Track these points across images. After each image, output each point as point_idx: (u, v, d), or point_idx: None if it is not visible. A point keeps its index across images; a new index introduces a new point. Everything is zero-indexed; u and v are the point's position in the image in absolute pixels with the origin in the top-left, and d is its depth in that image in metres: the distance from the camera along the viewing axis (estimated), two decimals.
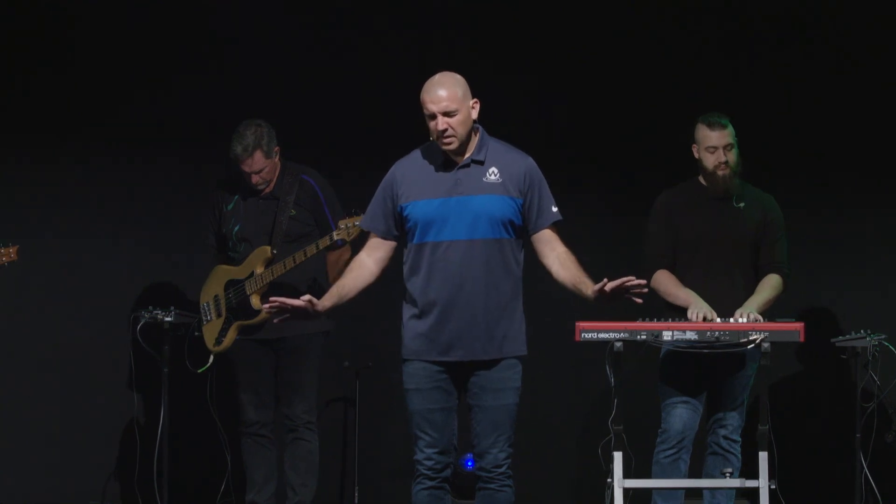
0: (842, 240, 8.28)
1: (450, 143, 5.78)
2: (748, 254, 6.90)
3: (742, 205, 6.94)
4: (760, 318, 6.54)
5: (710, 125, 6.88)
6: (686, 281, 6.86)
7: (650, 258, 6.96)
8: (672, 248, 6.94)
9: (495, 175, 5.83)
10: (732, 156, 6.89)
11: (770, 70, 8.30)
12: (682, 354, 6.61)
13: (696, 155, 6.93)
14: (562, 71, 8.35)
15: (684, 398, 6.81)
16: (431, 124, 5.79)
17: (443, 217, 5.77)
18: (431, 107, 5.76)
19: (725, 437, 6.83)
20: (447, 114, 5.74)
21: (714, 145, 6.87)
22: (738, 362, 6.75)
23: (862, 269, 8.25)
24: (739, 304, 6.73)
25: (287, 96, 8.29)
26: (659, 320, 6.50)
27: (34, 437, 8.24)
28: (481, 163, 5.83)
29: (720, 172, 6.87)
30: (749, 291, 6.83)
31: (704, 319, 6.57)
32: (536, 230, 5.86)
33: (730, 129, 6.90)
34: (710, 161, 6.88)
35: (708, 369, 6.76)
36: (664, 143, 7.91)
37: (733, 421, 6.83)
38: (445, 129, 5.75)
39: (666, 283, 6.89)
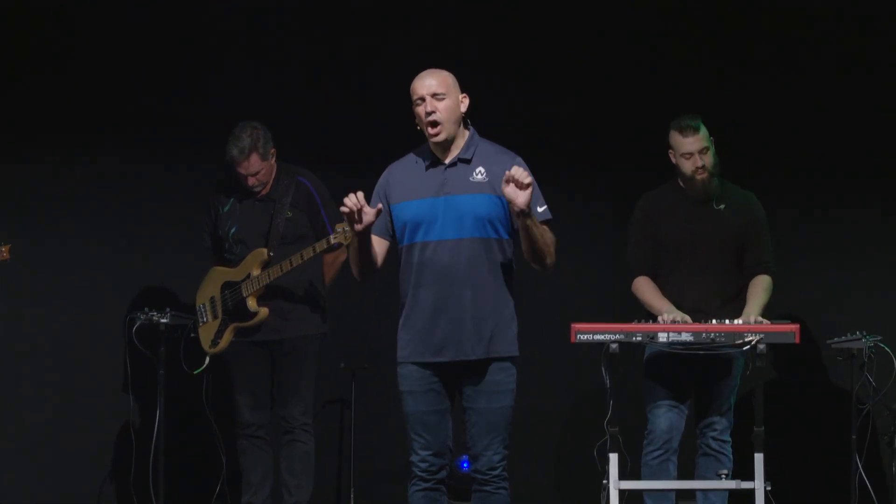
0: (838, 241, 8.27)
1: (436, 130, 5.78)
2: (731, 255, 6.85)
3: (723, 206, 6.89)
4: (762, 319, 6.51)
5: (683, 131, 6.82)
6: (670, 284, 6.82)
7: (632, 264, 6.93)
8: (653, 254, 6.91)
9: (482, 174, 5.84)
10: (709, 158, 6.84)
11: (768, 70, 8.30)
12: (667, 357, 6.59)
13: (673, 160, 6.90)
14: (561, 71, 8.35)
15: (670, 401, 6.79)
16: (419, 110, 5.80)
17: (431, 217, 5.78)
18: (420, 90, 5.78)
19: (715, 439, 6.80)
20: (435, 95, 5.76)
21: (689, 151, 6.82)
22: (725, 364, 6.73)
23: (858, 271, 8.25)
24: (724, 307, 6.71)
25: (284, 98, 8.29)
26: (654, 321, 6.50)
27: (30, 439, 8.23)
28: (468, 161, 5.84)
29: (699, 177, 6.83)
30: (733, 293, 6.81)
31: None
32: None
33: (703, 132, 6.84)
34: (686, 167, 6.84)
35: (694, 371, 6.73)
36: (663, 143, 7.89)
37: (722, 423, 6.80)
38: (433, 112, 5.75)
39: (644, 290, 6.85)
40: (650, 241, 6.90)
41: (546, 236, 5.79)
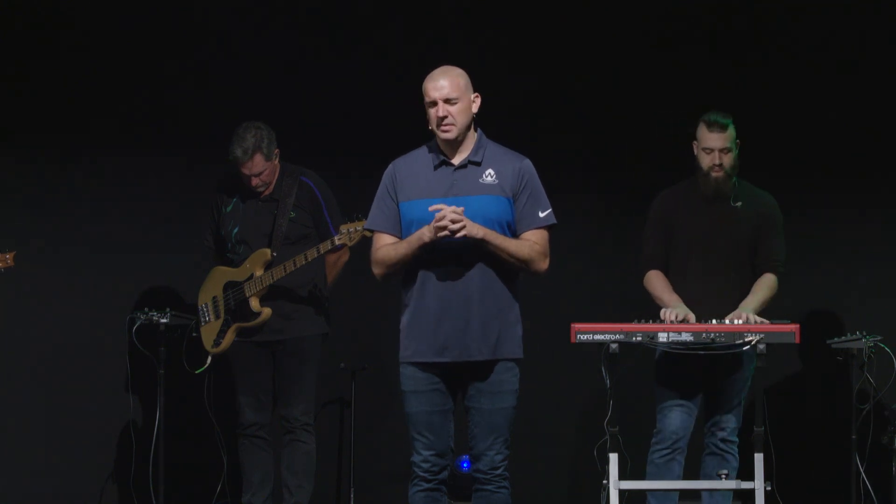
0: (838, 241, 8.28)
1: (448, 131, 5.78)
2: (745, 253, 6.85)
3: (739, 203, 6.90)
4: (759, 318, 6.50)
5: (710, 126, 6.82)
6: (683, 281, 6.82)
7: (644, 258, 6.95)
8: (666, 250, 6.92)
9: (491, 176, 5.84)
10: (729, 159, 6.83)
11: (772, 69, 8.30)
12: (678, 356, 6.59)
13: (695, 152, 6.90)
14: (566, 71, 8.35)
15: (680, 401, 6.80)
16: (431, 112, 5.80)
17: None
18: (433, 93, 5.78)
19: (723, 440, 6.80)
20: (448, 100, 5.77)
21: (711, 147, 6.81)
22: (735, 364, 6.73)
23: (858, 271, 8.25)
24: (737, 305, 6.72)
25: (286, 98, 8.29)
26: (654, 321, 6.50)
27: (30, 440, 8.23)
28: (478, 164, 5.84)
29: (714, 174, 6.83)
30: (746, 291, 6.81)
31: (677, 319, 6.54)
32: (518, 234, 5.86)
33: (730, 132, 6.83)
34: (705, 161, 6.84)
35: (705, 371, 6.73)
36: (665, 143, 7.89)
37: (730, 423, 6.80)
38: (445, 116, 5.76)
39: (655, 284, 6.86)
40: (664, 237, 6.90)
41: (522, 250, 5.78)
